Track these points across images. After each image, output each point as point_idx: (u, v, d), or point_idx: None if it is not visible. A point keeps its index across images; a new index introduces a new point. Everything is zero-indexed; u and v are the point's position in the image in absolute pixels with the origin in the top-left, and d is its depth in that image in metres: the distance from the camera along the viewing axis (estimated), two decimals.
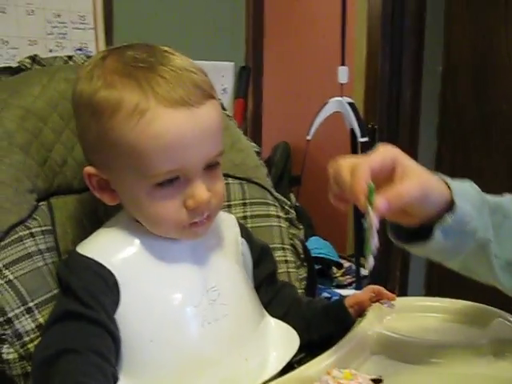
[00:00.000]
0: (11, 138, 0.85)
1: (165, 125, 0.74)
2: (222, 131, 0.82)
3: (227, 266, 0.88)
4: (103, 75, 0.77)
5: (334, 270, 3.20)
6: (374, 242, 0.67)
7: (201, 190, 0.78)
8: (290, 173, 3.75)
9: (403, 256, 2.23)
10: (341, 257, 3.26)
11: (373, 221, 0.67)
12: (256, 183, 1.10)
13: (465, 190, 0.79)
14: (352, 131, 1.94)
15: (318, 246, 3.17)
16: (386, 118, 2.13)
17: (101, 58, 0.80)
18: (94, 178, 0.81)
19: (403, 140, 2.13)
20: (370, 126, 2.13)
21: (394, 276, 2.27)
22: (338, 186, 0.74)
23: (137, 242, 0.82)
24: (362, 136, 1.90)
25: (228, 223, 0.93)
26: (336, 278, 3.17)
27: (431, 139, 2.22)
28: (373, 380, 0.68)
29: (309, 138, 2.05)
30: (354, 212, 2.28)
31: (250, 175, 1.10)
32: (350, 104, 1.92)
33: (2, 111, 0.87)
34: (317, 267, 2.91)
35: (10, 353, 0.77)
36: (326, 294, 2.61)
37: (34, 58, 0.97)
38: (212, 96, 0.79)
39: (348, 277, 3.17)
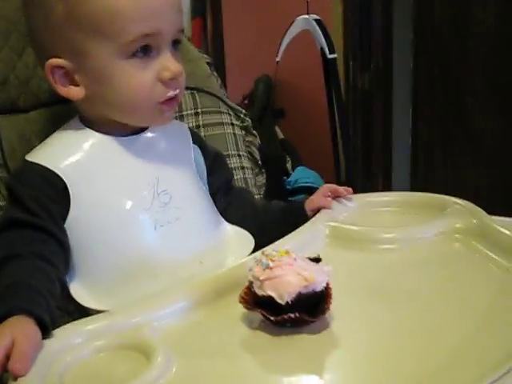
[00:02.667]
0: None
1: None
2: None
3: (179, 171, 0.88)
4: None
5: None
6: None
7: (174, 62, 0.79)
8: (273, 106, 3.71)
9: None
10: None
11: None
12: (208, 92, 1.09)
13: None
14: (322, 49, 1.91)
15: (305, 176, 3.17)
16: (357, 36, 2.10)
17: None
18: (57, 72, 0.79)
19: (376, 57, 2.10)
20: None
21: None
22: None
23: (87, 145, 0.82)
24: (331, 53, 1.87)
25: (179, 130, 0.93)
26: None
27: (406, 55, 2.19)
28: (310, 258, 0.68)
29: (278, 59, 2.02)
30: (332, 139, 2.26)
31: (201, 85, 1.09)
32: (317, 21, 1.88)
33: None
34: (304, 196, 2.92)
35: None
36: None
37: None
38: None
39: None
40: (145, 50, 0.78)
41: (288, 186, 3.15)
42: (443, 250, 0.84)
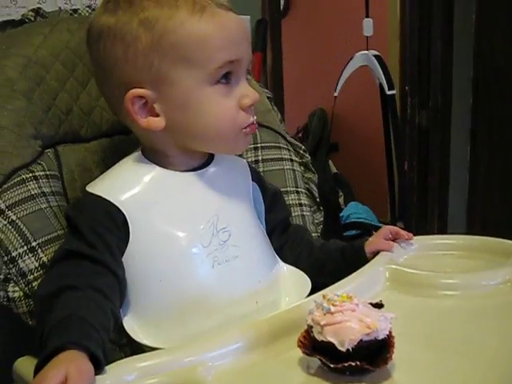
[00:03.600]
0: (13, 85, 0.86)
1: (225, 18, 0.79)
2: None
3: (238, 208, 0.87)
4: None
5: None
6: None
7: (251, 89, 0.82)
8: (327, 140, 3.70)
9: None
10: (381, 222, 3.20)
11: None
12: (268, 127, 1.09)
13: None
14: (381, 85, 1.89)
15: (358, 211, 3.13)
16: (416, 72, 2.07)
17: None
18: (137, 104, 0.79)
19: (435, 95, 2.06)
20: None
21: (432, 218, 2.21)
22: None
23: (148, 178, 0.81)
24: (390, 89, 1.84)
25: (239, 167, 0.92)
26: None
27: (465, 92, 2.15)
28: (372, 304, 0.66)
29: (336, 94, 2.00)
30: (388, 176, 2.23)
31: (261, 119, 1.08)
32: (377, 57, 1.86)
33: (3, 60, 0.87)
34: (356, 232, 2.87)
35: (15, 291, 0.79)
36: None
37: (37, 11, 0.97)
38: None
39: None
40: (227, 77, 0.79)
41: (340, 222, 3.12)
42: (508, 299, 0.80)
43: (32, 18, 0.96)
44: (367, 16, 1.85)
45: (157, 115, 0.79)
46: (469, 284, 0.83)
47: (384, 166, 2.48)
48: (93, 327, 0.64)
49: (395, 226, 2.34)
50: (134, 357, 0.63)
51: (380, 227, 2.88)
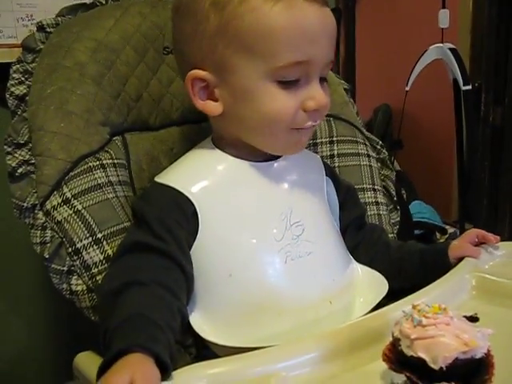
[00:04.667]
0: (83, 69, 0.83)
1: (302, 12, 0.70)
2: None
3: (312, 203, 0.82)
4: None
5: (438, 235, 3.04)
6: None
7: (322, 93, 0.74)
8: (391, 136, 3.61)
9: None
10: (445, 222, 3.09)
11: None
12: (344, 120, 1.03)
13: None
14: (455, 80, 1.79)
15: (421, 211, 3.03)
16: (492, 66, 1.96)
17: None
18: (198, 85, 0.75)
19: (511, 91, 1.95)
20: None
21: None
22: None
23: (220, 168, 0.77)
24: (465, 84, 1.75)
25: (311, 160, 0.87)
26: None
27: None
28: (467, 317, 0.59)
29: (407, 88, 1.91)
30: (459, 176, 2.12)
31: (338, 112, 1.02)
32: (452, 50, 1.77)
33: (74, 43, 0.84)
34: (419, 232, 2.78)
35: (78, 284, 0.76)
36: None
37: None
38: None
39: None
40: (293, 82, 0.73)
41: None
42: None
43: (103, 1, 0.93)
44: (444, 7, 1.75)
45: (216, 100, 0.75)
46: None
47: (451, 165, 2.37)
48: (159, 328, 0.60)
49: (463, 227, 2.23)
50: (203, 363, 0.58)
51: (443, 228, 2.78)
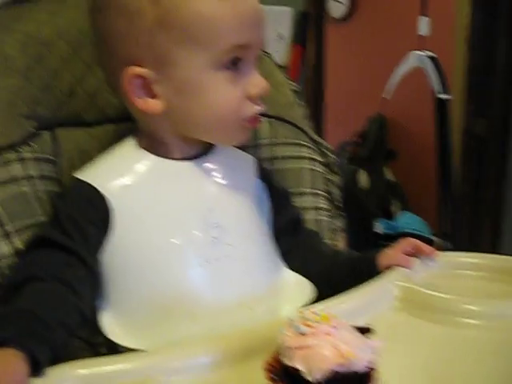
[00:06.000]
0: (8, 62, 0.82)
1: (239, 0, 0.73)
2: None
3: (236, 204, 0.80)
4: None
5: None
6: None
7: (261, 78, 0.76)
8: (385, 146, 3.58)
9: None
10: (434, 234, 3.06)
11: None
12: (288, 122, 1.00)
13: None
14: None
15: (410, 222, 3.01)
16: (475, 77, 1.93)
17: None
18: (135, 82, 0.74)
19: (496, 105, 1.92)
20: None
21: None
22: None
23: (140, 167, 0.77)
24: (444, 93, 1.72)
25: (242, 161, 0.86)
26: None
27: None
28: (358, 328, 0.56)
29: (386, 96, 1.89)
30: (439, 187, 2.10)
31: (282, 113, 1.00)
32: (432, 58, 1.75)
33: (3, 36, 0.83)
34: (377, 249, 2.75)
35: None
36: None
37: None
38: None
39: None
40: (235, 64, 0.73)
41: (391, 231, 3.00)
42: None
43: None
44: (423, 14, 1.73)
45: (155, 97, 0.74)
46: (494, 312, 0.74)
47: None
48: (43, 324, 0.59)
49: (445, 239, 2.20)
50: (76, 362, 0.56)
51: (431, 239, 2.76)
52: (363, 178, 3.25)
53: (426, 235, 3.01)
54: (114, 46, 0.75)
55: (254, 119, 0.77)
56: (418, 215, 3.09)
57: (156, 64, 0.72)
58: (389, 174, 3.46)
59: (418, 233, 2.98)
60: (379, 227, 2.71)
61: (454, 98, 1.90)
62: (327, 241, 0.96)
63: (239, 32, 0.72)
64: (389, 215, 3.22)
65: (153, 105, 0.74)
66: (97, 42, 0.80)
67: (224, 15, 0.71)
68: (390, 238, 2.98)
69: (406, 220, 3.03)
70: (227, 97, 0.74)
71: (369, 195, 3.15)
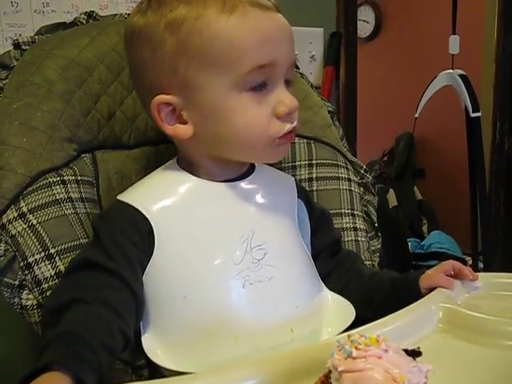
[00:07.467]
0: (51, 86, 0.83)
1: (258, 19, 0.72)
2: None
3: (278, 226, 0.80)
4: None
5: None
6: None
7: (289, 96, 0.75)
8: (413, 165, 3.57)
9: None
10: (465, 253, 3.02)
11: None
12: (325, 143, 1.01)
13: None
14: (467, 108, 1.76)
15: (440, 241, 2.99)
16: (507, 95, 1.92)
17: None
18: (164, 110, 0.74)
19: None
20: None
21: None
22: None
23: (182, 189, 0.77)
24: (474, 111, 1.71)
25: (283, 182, 0.86)
26: None
27: None
28: (407, 351, 0.55)
29: (416, 115, 1.88)
30: (472, 207, 2.07)
31: (319, 134, 1.01)
32: (462, 76, 1.73)
33: (45, 60, 0.85)
34: (435, 263, 2.72)
35: (28, 299, 0.75)
36: None
37: (90, 14, 0.95)
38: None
39: None
40: (260, 84, 0.73)
41: (421, 250, 2.97)
42: None
43: (83, 21, 0.94)
44: (454, 33, 1.73)
45: (185, 122, 0.74)
46: None
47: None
48: (87, 346, 0.59)
49: (478, 259, 2.16)
50: None
51: (463, 259, 2.72)
52: (392, 197, 3.24)
53: (457, 254, 2.98)
54: (142, 75, 0.76)
55: (286, 136, 0.75)
56: (447, 234, 3.06)
57: (181, 90, 0.73)
58: (418, 193, 3.44)
59: (449, 252, 2.96)
60: (409, 246, 2.68)
61: (484, 116, 1.88)
62: (366, 262, 0.95)
63: (260, 52, 0.71)
64: (418, 234, 3.20)
65: (183, 130, 0.75)
66: (131, 73, 0.82)
67: (242, 36, 0.71)
68: (420, 257, 2.96)
69: (436, 239, 3.01)
70: (254, 117, 0.73)
71: (398, 214, 3.13)
